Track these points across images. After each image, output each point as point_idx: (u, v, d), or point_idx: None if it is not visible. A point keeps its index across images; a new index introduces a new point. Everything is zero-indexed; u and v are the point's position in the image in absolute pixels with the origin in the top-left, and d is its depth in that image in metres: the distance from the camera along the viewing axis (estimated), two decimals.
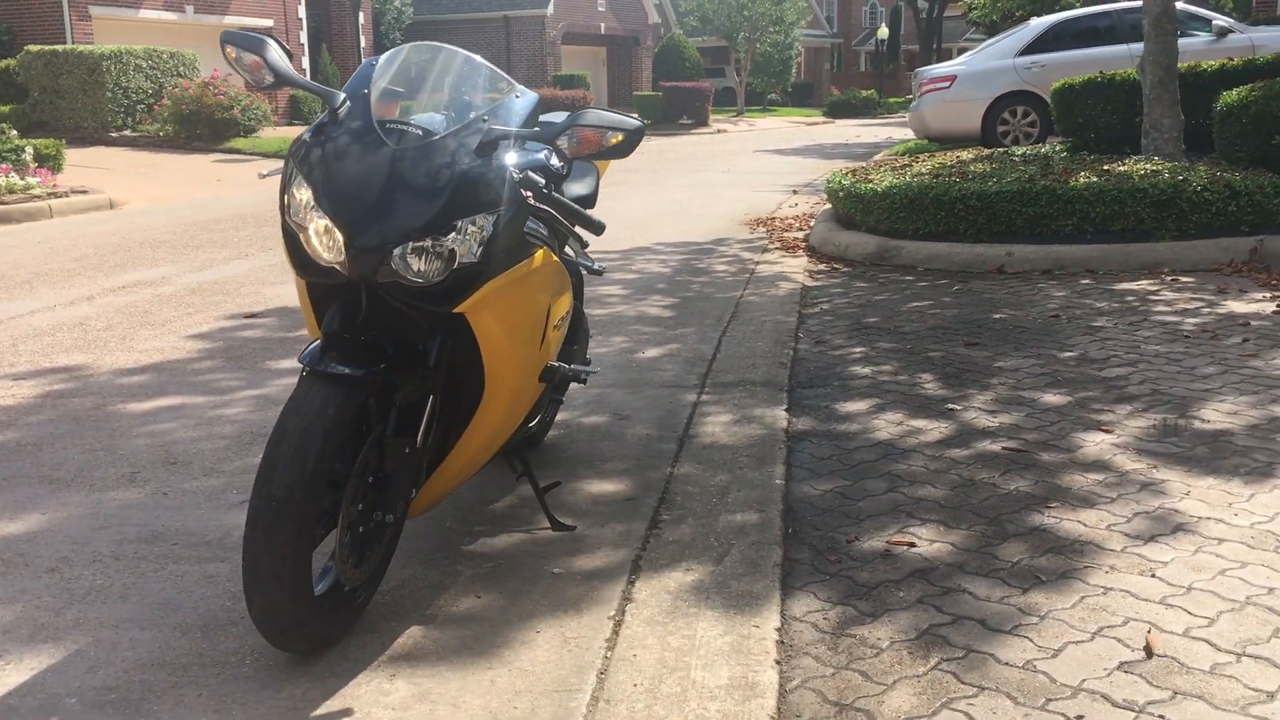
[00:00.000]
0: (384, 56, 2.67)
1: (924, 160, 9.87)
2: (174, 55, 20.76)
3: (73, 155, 15.20)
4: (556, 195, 2.65)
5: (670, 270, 7.81)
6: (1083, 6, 16.20)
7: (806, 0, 46.11)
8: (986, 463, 3.65)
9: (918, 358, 5.08)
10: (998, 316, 5.88)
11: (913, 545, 3.05)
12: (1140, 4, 13.59)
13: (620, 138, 2.55)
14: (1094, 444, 3.78)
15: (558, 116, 2.78)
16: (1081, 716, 2.19)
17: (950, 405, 4.31)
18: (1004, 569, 2.86)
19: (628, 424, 4.19)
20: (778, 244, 8.89)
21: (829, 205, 9.69)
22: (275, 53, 2.55)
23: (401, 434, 2.49)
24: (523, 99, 2.65)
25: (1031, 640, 2.49)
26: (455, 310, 2.46)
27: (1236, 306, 5.88)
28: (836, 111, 41.35)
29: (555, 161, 2.76)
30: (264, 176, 2.86)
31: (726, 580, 2.82)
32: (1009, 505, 3.29)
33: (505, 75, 2.78)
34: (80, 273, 7.82)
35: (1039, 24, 13.90)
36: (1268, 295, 6.14)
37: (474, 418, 2.70)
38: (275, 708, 2.28)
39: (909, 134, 26.34)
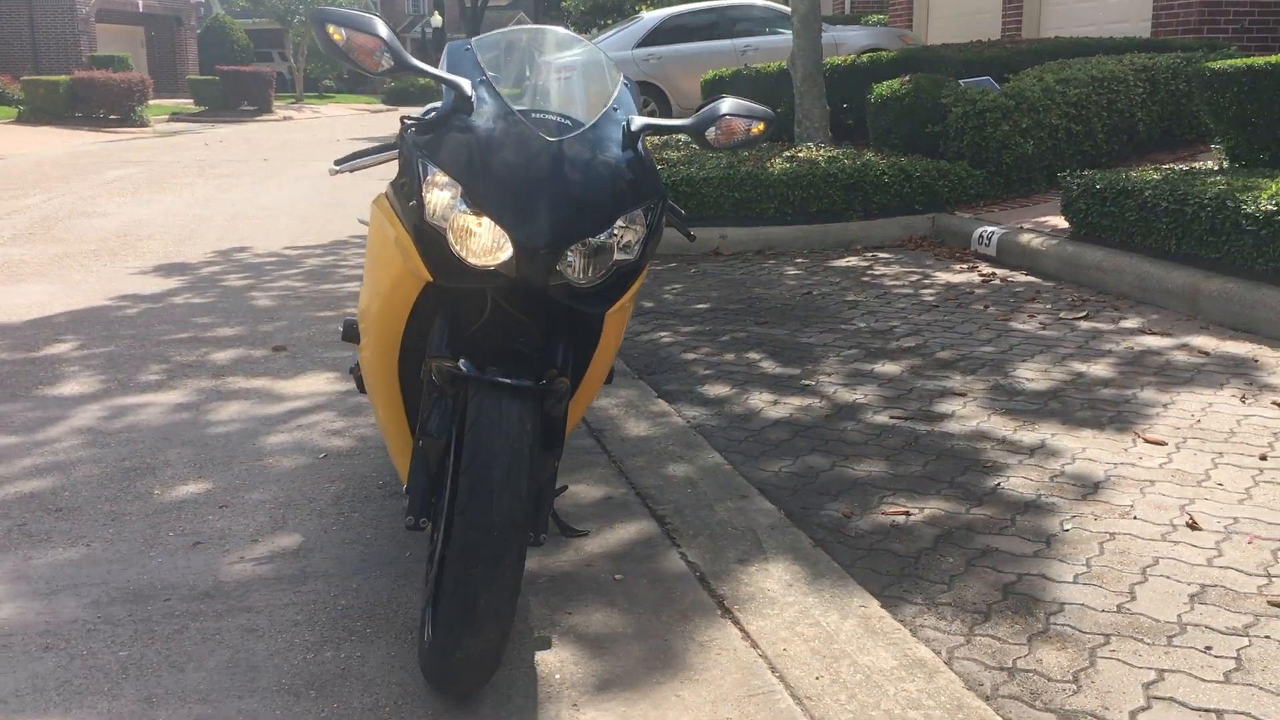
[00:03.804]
0: (475, 41, 2.44)
1: None
2: None
3: None
4: None
5: None
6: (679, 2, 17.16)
7: None
8: (891, 433, 3.90)
9: (726, 339, 5.27)
10: (757, 296, 6.21)
11: (908, 514, 3.22)
12: (740, 2, 14.72)
13: (762, 126, 2.50)
14: (962, 409, 4.14)
15: None
16: (1210, 647, 2.45)
17: (804, 382, 4.54)
18: (1010, 527, 3.10)
19: None
20: None
21: None
22: (387, 31, 2.25)
23: (547, 448, 2.31)
24: (630, 86, 2.51)
25: (1101, 587, 2.74)
26: (609, 311, 2.31)
27: (950, 277, 6.60)
28: (395, 99, 40.96)
29: None
30: (335, 172, 2.50)
31: (788, 566, 2.85)
32: (951, 469, 3.54)
33: (594, 48, 2.60)
34: None
35: (651, 19, 14.60)
36: (965, 266, 6.93)
37: None
38: None
39: None
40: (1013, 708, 2.25)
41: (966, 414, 4.07)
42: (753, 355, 4.96)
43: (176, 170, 14.19)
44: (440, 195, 2.16)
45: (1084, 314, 5.54)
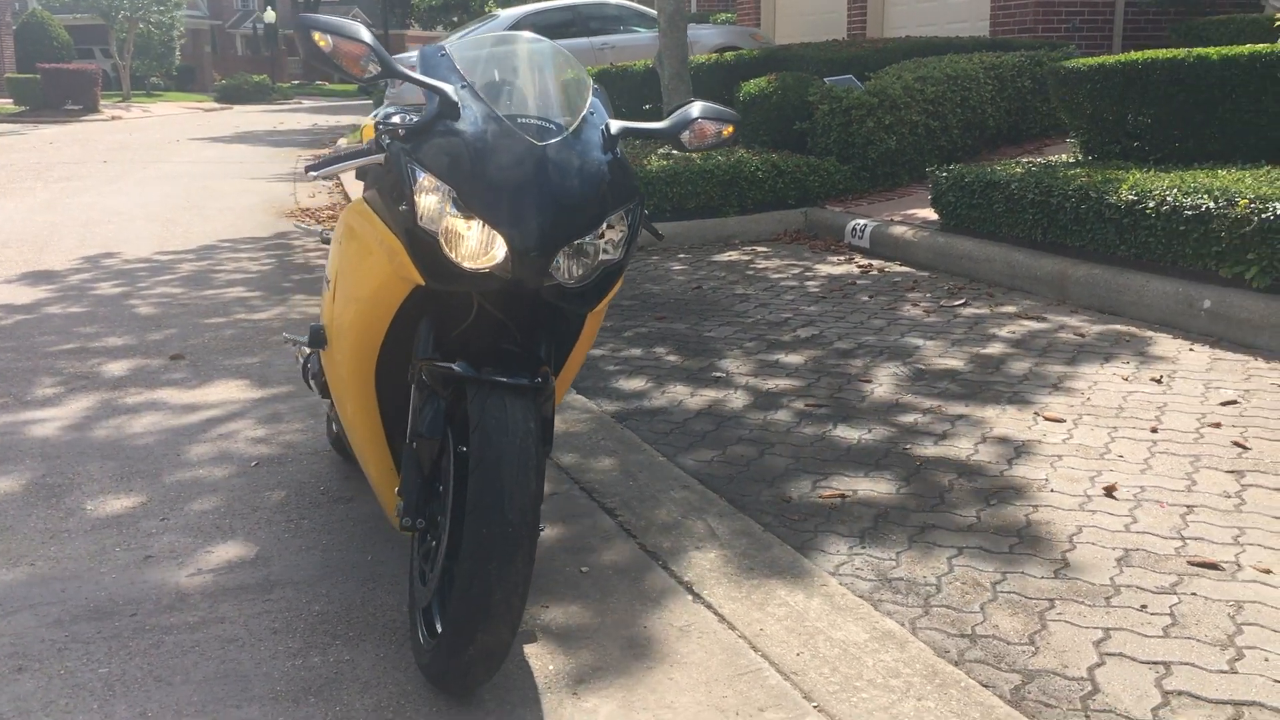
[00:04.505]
0: (449, 45, 2.47)
1: None
2: None
3: None
4: None
5: (277, 269, 7.36)
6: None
7: None
8: (812, 420, 4.06)
9: (629, 334, 5.37)
10: (649, 291, 6.32)
11: (844, 497, 3.37)
12: (595, 0, 14.83)
13: (731, 129, 2.59)
14: (874, 393, 4.33)
15: None
16: (1145, 605, 2.66)
17: (715, 374, 4.67)
18: (941, 503, 3.28)
19: None
20: None
21: None
22: (371, 36, 2.26)
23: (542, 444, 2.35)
24: (600, 93, 2.56)
25: (1036, 555, 2.93)
26: (594, 309, 2.38)
27: (830, 270, 6.83)
28: (229, 97, 39.72)
29: None
30: (314, 177, 2.47)
31: (746, 551, 2.97)
32: (876, 451, 3.72)
33: (566, 53, 2.64)
34: None
35: (507, 16, 14.61)
36: (842, 258, 7.19)
37: None
38: None
39: (332, 120, 26.16)
40: (981, 671, 2.40)
41: (876, 399, 4.25)
42: (658, 349, 5.07)
43: (11, 174, 13.53)
44: (431, 199, 2.19)
45: (963, 301, 5.82)
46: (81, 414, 4.14)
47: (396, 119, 2.42)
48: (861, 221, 7.50)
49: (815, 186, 8.27)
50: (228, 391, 4.43)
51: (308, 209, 10.26)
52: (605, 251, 2.32)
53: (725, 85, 9.90)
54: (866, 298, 6.00)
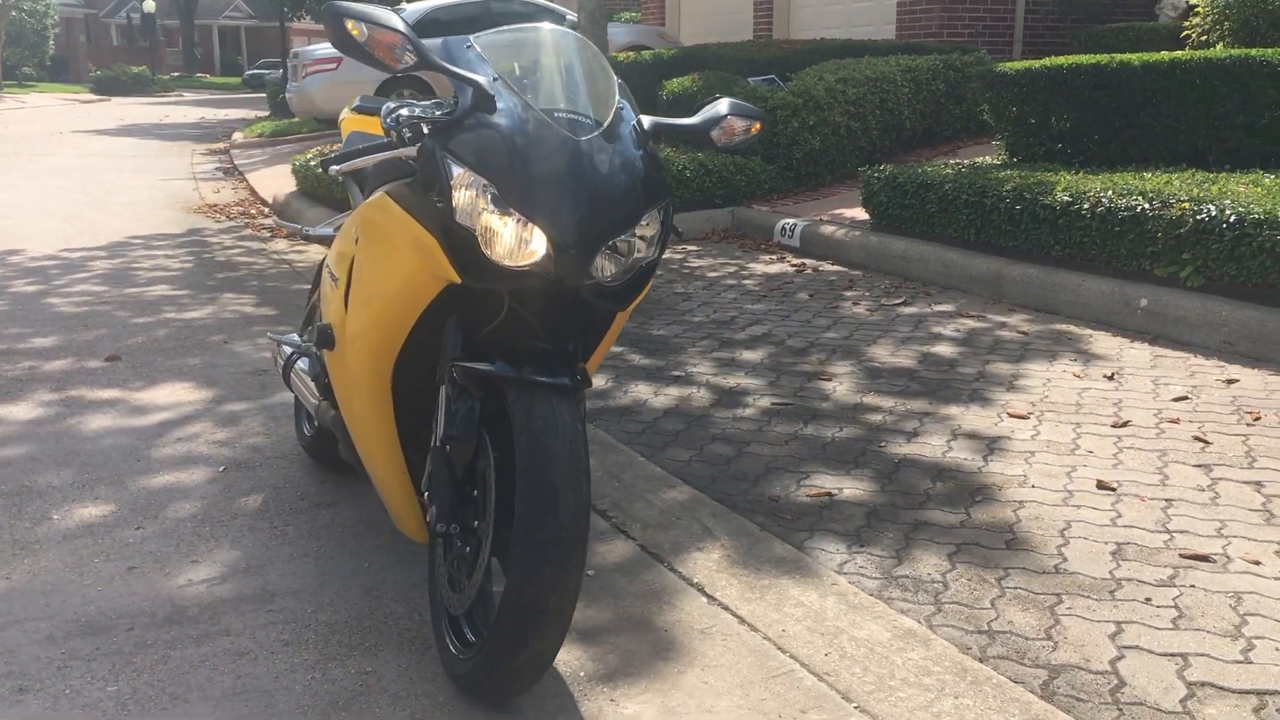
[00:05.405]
0: (474, 37, 2.39)
1: None
2: None
3: None
4: None
5: (198, 266, 7.11)
6: None
7: None
8: (782, 418, 4.06)
9: None
10: None
11: (831, 495, 3.38)
12: None
13: (759, 126, 2.56)
14: (836, 391, 4.35)
15: None
16: (1150, 599, 2.71)
17: (674, 373, 4.65)
18: (927, 500, 3.31)
19: None
20: (267, 232, 8.43)
21: (294, 188, 9.37)
22: (406, 25, 2.17)
23: None
24: (623, 87, 2.50)
25: (1032, 551, 2.97)
26: (627, 307, 2.33)
27: (764, 269, 6.87)
28: (106, 88, 38.44)
29: None
30: (336, 170, 2.35)
31: (748, 551, 2.95)
32: (853, 448, 3.73)
33: (593, 46, 2.57)
34: None
35: (413, 11, 14.36)
36: (773, 257, 7.24)
37: None
38: None
39: (220, 114, 25.50)
40: (1008, 667, 2.42)
41: (841, 396, 4.28)
42: (612, 348, 5.02)
43: None
44: (468, 194, 2.12)
45: (902, 300, 5.90)
46: (26, 419, 3.94)
47: (405, 112, 2.35)
48: (790, 221, 7.55)
49: (741, 185, 8.31)
50: (175, 394, 4.26)
51: (215, 205, 9.96)
52: (639, 250, 2.27)
53: (645, 84, 9.88)
54: (806, 296, 6.04)
